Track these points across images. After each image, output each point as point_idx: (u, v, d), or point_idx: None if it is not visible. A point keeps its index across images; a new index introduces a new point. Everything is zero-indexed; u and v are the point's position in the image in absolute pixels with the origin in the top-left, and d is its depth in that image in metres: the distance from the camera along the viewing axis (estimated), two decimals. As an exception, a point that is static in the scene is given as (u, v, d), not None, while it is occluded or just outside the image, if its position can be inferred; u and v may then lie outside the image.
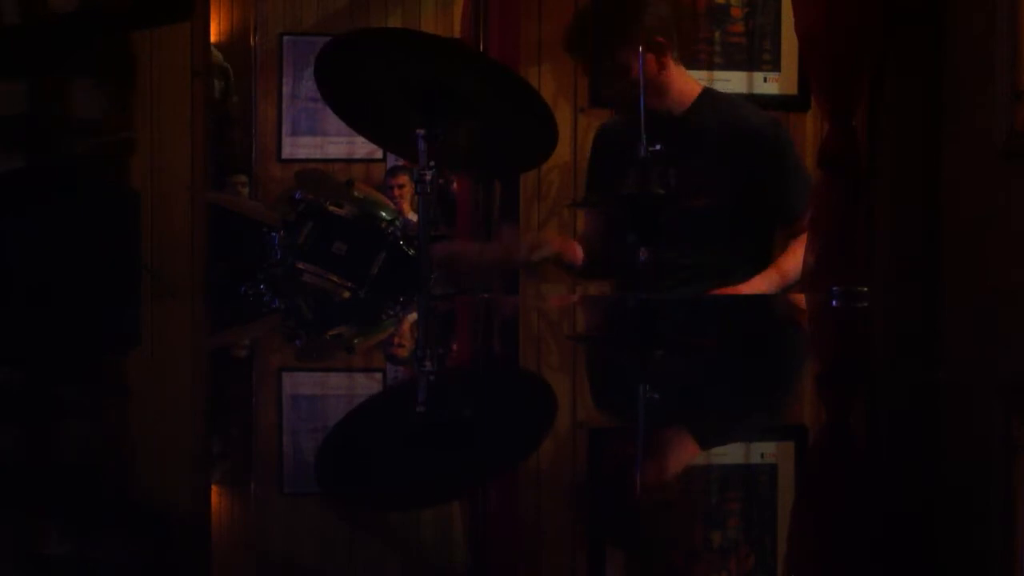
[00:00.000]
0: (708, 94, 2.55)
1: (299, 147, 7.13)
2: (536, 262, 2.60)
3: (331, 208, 2.89)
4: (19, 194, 2.78)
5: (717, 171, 2.41)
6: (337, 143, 7.01)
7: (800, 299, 2.27)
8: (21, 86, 3.08)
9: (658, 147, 2.03)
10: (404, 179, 5.84)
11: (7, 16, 2.92)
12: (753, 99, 3.31)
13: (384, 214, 3.08)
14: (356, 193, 3.26)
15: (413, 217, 4.27)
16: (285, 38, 7.16)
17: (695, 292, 2.38)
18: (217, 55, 6.28)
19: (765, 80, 3.55)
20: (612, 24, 2.44)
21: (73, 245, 2.74)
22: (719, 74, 3.45)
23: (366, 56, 2.09)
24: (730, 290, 2.35)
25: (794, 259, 2.41)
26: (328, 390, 0.97)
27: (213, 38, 6.01)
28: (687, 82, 2.53)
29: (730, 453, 0.67)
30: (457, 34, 6.32)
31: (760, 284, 2.39)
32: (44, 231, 2.70)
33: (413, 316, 1.85)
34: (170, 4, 2.90)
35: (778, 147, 2.47)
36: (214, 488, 0.59)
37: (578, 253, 2.63)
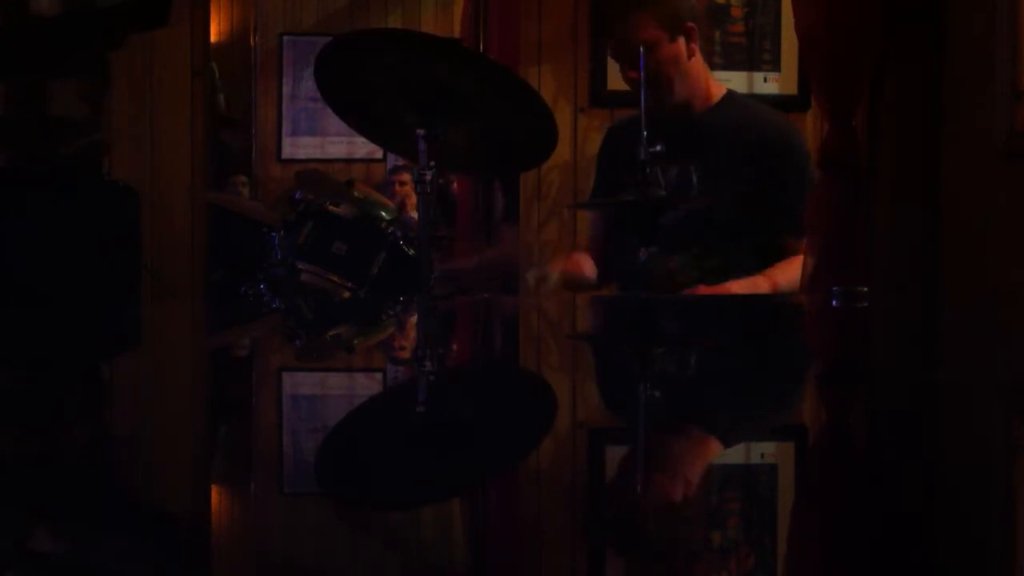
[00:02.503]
0: (731, 96, 2.55)
1: (299, 147, 7.13)
2: (549, 287, 2.59)
3: (331, 208, 2.88)
4: (15, 193, 2.78)
5: (728, 173, 2.40)
6: (337, 143, 7.01)
7: (800, 299, 2.27)
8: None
9: (659, 148, 2.03)
10: (407, 176, 5.84)
11: None
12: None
13: (384, 214, 3.08)
14: (356, 193, 3.26)
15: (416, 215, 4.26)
16: (285, 38, 7.16)
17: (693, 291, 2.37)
18: None
19: (765, 80, 3.55)
20: (640, 6, 2.42)
21: (73, 245, 2.74)
22: (719, 74, 3.45)
23: (366, 56, 2.09)
24: (712, 289, 2.34)
25: (789, 270, 2.39)
26: (328, 390, 0.97)
27: (213, 38, 6.01)
28: (711, 80, 2.53)
29: (730, 453, 0.67)
30: (457, 34, 6.32)
31: (745, 285, 2.36)
32: (44, 231, 2.70)
33: (413, 316, 1.85)
34: (146, 12, 2.91)
35: (786, 154, 2.46)
36: (214, 488, 0.59)
37: (584, 267, 2.62)
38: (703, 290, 2.31)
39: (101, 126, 3.36)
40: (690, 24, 2.45)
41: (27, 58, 2.94)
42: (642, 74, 2.10)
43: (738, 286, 2.34)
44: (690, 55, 2.45)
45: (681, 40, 2.43)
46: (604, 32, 2.65)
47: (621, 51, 2.44)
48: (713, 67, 3.48)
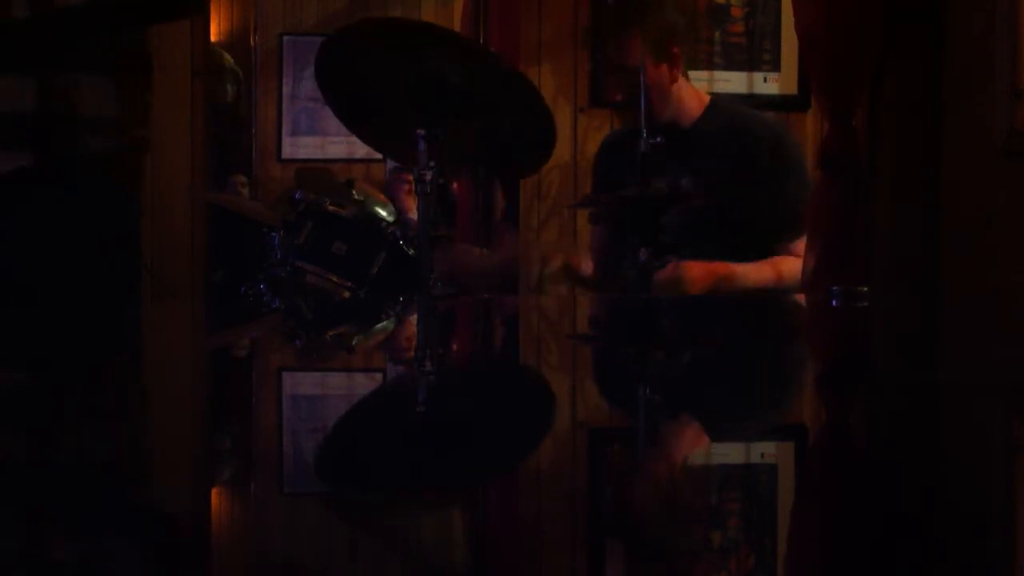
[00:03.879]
0: (716, 104, 2.57)
1: (299, 147, 7.13)
2: (548, 277, 2.60)
3: (331, 208, 2.88)
4: (21, 193, 2.78)
5: (720, 177, 2.42)
6: (337, 143, 7.00)
7: (800, 299, 2.27)
8: (29, 83, 3.07)
9: (659, 139, 2.05)
10: (410, 176, 5.81)
11: (15, 9, 2.92)
12: (753, 99, 3.32)
13: (384, 214, 3.08)
14: (356, 193, 3.25)
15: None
16: (285, 38, 7.15)
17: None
18: (229, 59, 6.27)
19: (765, 80, 3.55)
20: (628, 30, 2.45)
21: (73, 244, 2.74)
22: (719, 74, 3.45)
23: (366, 49, 2.08)
24: (707, 264, 2.35)
25: (792, 263, 2.41)
26: (328, 390, 0.97)
27: (213, 38, 6.00)
28: (694, 94, 2.56)
29: (730, 453, 0.67)
30: (457, 34, 6.31)
31: (753, 270, 2.39)
32: (44, 230, 2.70)
33: (413, 316, 1.85)
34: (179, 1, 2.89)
35: (781, 155, 2.48)
36: (214, 488, 0.59)
37: (583, 264, 2.63)
38: (693, 264, 2.32)
39: (116, 124, 3.34)
40: (675, 50, 2.48)
41: (54, 49, 2.92)
42: (642, 76, 2.12)
43: (739, 267, 2.37)
44: (672, 80, 2.48)
45: (664, 67, 2.46)
46: (599, 47, 2.68)
47: (603, 73, 2.48)
48: (713, 67, 3.48)
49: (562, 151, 3.35)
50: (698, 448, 0.70)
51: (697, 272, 2.33)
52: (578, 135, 3.47)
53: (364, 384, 1.04)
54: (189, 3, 2.83)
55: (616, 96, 2.38)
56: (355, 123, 2.41)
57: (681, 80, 2.52)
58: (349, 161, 6.93)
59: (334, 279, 2.81)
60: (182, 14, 3.04)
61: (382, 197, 3.96)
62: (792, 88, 3.55)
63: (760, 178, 2.45)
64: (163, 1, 2.74)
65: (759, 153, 2.46)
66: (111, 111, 3.25)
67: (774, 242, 2.48)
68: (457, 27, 6.44)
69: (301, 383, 1.02)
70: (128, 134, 3.34)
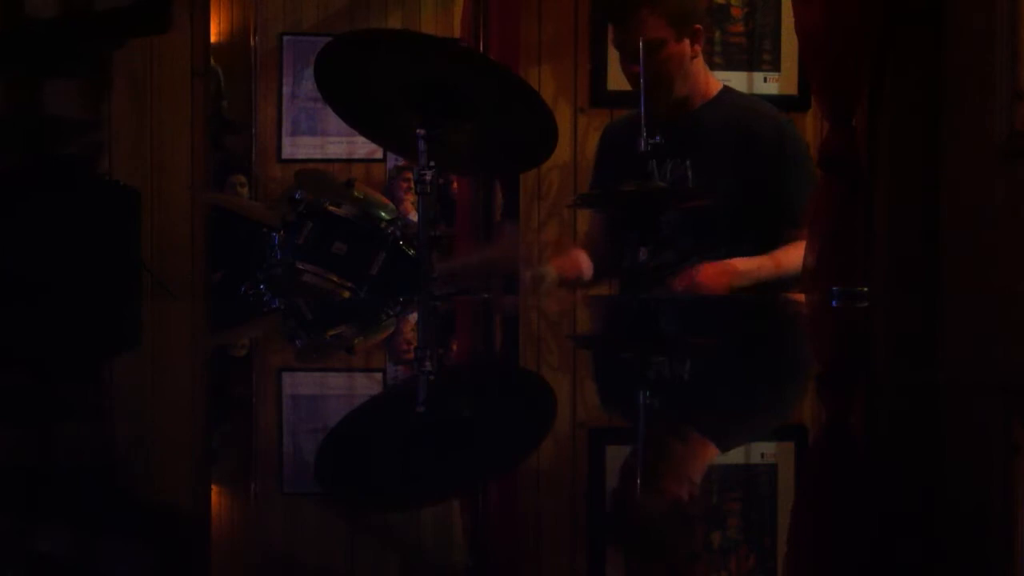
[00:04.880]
0: (727, 92, 2.56)
1: (299, 147, 7.13)
2: (545, 290, 2.59)
3: (331, 208, 2.88)
4: (20, 192, 2.78)
5: (722, 170, 2.41)
6: (337, 143, 7.01)
7: (800, 299, 2.27)
8: (17, 84, 3.08)
9: (657, 139, 2.04)
10: (411, 175, 5.81)
11: None
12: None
13: (384, 214, 3.08)
14: (356, 193, 3.25)
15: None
16: (285, 38, 7.16)
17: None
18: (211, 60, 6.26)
19: (765, 80, 3.55)
20: (649, 5, 2.43)
21: (73, 245, 2.74)
22: (719, 74, 3.45)
23: (366, 56, 2.09)
24: (718, 265, 2.34)
25: (792, 253, 2.41)
26: (328, 390, 0.97)
27: (213, 38, 5.99)
28: (709, 77, 2.55)
29: (730, 453, 0.67)
30: (457, 34, 6.32)
31: (751, 264, 2.38)
32: (44, 230, 2.70)
33: (413, 316, 1.85)
34: (145, 17, 2.92)
35: (782, 150, 2.47)
36: (214, 488, 0.59)
37: (582, 265, 2.62)
38: (707, 266, 2.32)
39: (97, 126, 3.35)
40: (698, 26, 2.47)
41: (22, 60, 2.94)
42: (642, 69, 2.11)
43: (743, 263, 2.36)
44: (693, 56, 2.47)
45: (687, 41, 2.45)
46: (611, 20, 2.64)
47: (625, 44, 2.44)
48: (713, 67, 3.48)
49: (562, 151, 3.35)
50: (698, 448, 0.70)
51: (712, 276, 2.32)
52: (578, 135, 3.48)
53: (364, 384, 1.04)
54: (151, 23, 2.86)
55: (635, 68, 2.36)
56: (356, 122, 2.41)
57: (700, 60, 2.52)
58: (349, 161, 6.93)
59: (334, 279, 2.81)
60: (145, 33, 3.07)
61: (382, 197, 3.96)
62: (792, 88, 3.55)
63: (763, 177, 2.44)
64: (125, 20, 2.77)
65: (763, 153, 2.45)
66: (75, 115, 3.26)
67: (777, 239, 2.47)
68: (457, 28, 6.46)
69: (301, 383, 1.02)
70: (123, 134, 3.34)
